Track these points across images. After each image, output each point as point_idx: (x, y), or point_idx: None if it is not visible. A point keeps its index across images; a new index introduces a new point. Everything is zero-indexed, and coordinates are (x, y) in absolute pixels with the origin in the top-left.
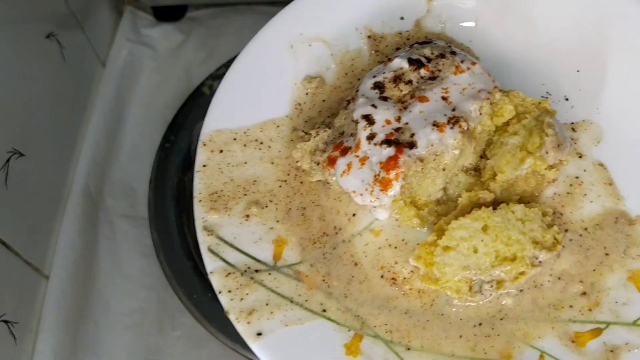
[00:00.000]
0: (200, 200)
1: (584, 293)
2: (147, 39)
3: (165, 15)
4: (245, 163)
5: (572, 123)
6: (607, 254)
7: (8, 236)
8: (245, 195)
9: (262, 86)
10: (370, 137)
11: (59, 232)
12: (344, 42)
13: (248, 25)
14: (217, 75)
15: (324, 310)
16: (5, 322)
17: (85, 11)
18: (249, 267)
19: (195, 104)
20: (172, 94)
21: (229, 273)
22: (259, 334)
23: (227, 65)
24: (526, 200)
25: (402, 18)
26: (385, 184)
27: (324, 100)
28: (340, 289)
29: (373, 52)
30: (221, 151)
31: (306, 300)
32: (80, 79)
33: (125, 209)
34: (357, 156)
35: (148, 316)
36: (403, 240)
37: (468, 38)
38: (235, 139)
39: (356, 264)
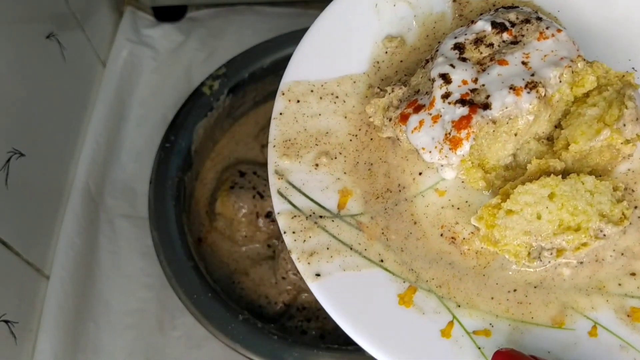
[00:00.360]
0: (274, 146)
1: None
2: (148, 39)
3: (166, 15)
4: (320, 115)
5: None
6: None
7: (8, 236)
8: (317, 145)
9: (343, 42)
10: (445, 95)
11: (59, 232)
12: (428, 4)
13: (248, 26)
14: (217, 76)
15: (382, 261)
16: (6, 322)
17: (85, 11)
18: (314, 213)
19: (195, 104)
20: (172, 94)
21: (295, 216)
22: (318, 275)
23: (227, 65)
24: (598, 173)
25: None
26: (455, 143)
27: (401, 61)
28: (397, 243)
29: (457, 16)
30: (298, 101)
31: (365, 249)
32: (80, 79)
33: (125, 209)
34: (430, 114)
35: (148, 316)
36: (467, 202)
37: (556, 8)
38: (312, 91)
39: (415, 222)
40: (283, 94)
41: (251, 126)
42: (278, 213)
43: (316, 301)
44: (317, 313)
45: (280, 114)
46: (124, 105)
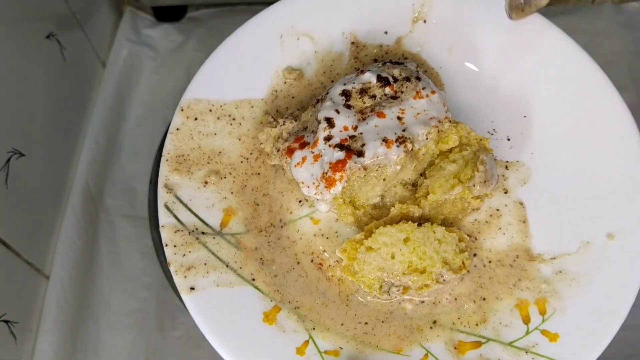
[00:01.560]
0: (167, 160)
1: (475, 312)
2: (148, 39)
3: (166, 15)
4: (215, 134)
5: (507, 161)
6: (500, 285)
7: (8, 236)
8: (209, 163)
9: (246, 66)
10: (327, 138)
11: (59, 232)
12: (329, 42)
13: None
14: None
15: (253, 279)
16: (6, 321)
17: (85, 11)
18: (196, 228)
19: None
20: (172, 94)
21: (178, 230)
22: (192, 288)
23: None
24: (450, 220)
25: (385, 32)
26: (330, 182)
27: (293, 97)
28: (271, 264)
29: (353, 58)
30: (196, 119)
31: (240, 267)
32: (80, 79)
33: (125, 209)
34: (312, 152)
35: (148, 316)
36: (336, 232)
37: (439, 64)
38: (210, 110)
39: (295, 254)
40: (182, 110)
41: None
42: (162, 226)
43: None
44: None
45: (177, 129)
46: (124, 105)
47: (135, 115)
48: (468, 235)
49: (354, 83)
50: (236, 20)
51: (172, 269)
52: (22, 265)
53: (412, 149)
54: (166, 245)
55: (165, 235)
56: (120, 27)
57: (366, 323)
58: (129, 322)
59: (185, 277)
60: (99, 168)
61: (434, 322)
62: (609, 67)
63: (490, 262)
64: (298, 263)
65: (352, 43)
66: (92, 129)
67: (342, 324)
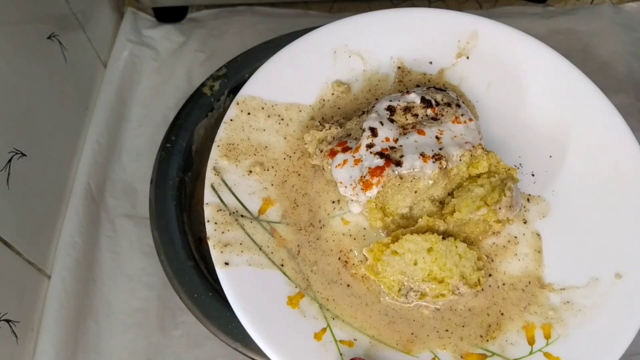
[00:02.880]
0: (218, 146)
1: (489, 326)
2: (148, 39)
3: (166, 16)
4: (264, 130)
5: (529, 195)
6: (512, 306)
7: (10, 236)
8: (255, 155)
9: (299, 74)
10: (370, 145)
11: (61, 232)
12: (377, 64)
13: (248, 26)
14: (218, 76)
15: (282, 265)
16: (7, 321)
17: (86, 12)
18: (237, 211)
19: (196, 105)
20: (173, 95)
21: (220, 209)
22: (226, 264)
23: (228, 66)
24: (470, 240)
25: (430, 62)
26: (367, 185)
27: (339, 108)
28: (302, 255)
29: (398, 81)
30: (248, 113)
31: (272, 253)
32: (81, 79)
33: (126, 209)
34: (354, 157)
35: (149, 315)
36: (363, 235)
37: (476, 98)
38: (262, 108)
39: (327, 245)
40: (237, 103)
41: None
42: (206, 204)
43: None
44: None
45: (231, 120)
46: (124, 106)
47: (136, 116)
48: (486, 255)
49: (399, 101)
50: (237, 21)
51: (210, 243)
52: (24, 264)
53: (445, 167)
54: (208, 221)
55: (208, 212)
56: (121, 27)
57: (381, 321)
58: (130, 322)
59: (221, 252)
60: (100, 168)
61: (446, 330)
62: (607, 67)
63: (504, 284)
64: (326, 254)
65: (399, 67)
66: (93, 129)
67: (358, 319)
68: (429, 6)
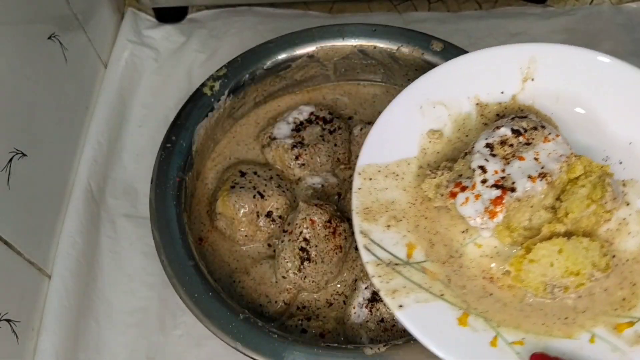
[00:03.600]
0: (357, 213)
1: (624, 299)
2: (149, 40)
3: (167, 16)
4: (386, 189)
5: (623, 180)
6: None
7: (10, 236)
8: (387, 211)
9: (398, 134)
10: (483, 181)
11: (61, 232)
12: (458, 106)
13: (248, 27)
14: (218, 76)
15: (442, 295)
16: (8, 320)
17: (86, 12)
18: (391, 261)
19: (196, 105)
20: (173, 95)
21: (378, 264)
22: (400, 306)
23: (228, 66)
24: (588, 233)
25: (502, 92)
26: (493, 215)
27: (438, 152)
28: (452, 282)
29: (479, 115)
30: (370, 179)
31: (430, 287)
32: (82, 79)
33: (126, 209)
34: (473, 193)
35: (149, 315)
36: (497, 252)
37: (550, 111)
38: (379, 171)
39: (470, 270)
40: (359, 174)
41: (252, 127)
42: (366, 262)
43: (316, 300)
44: (317, 312)
45: (359, 189)
46: (125, 106)
47: (136, 116)
48: (605, 241)
49: (493, 137)
50: (237, 22)
51: (381, 293)
52: (24, 264)
53: (551, 181)
54: (372, 276)
55: (370, 269)
56: (121, 28)
57: (536, 319)
58: (130, 321)
59: (393, 298)
60: (100, 168)
61: (591, 312)
62: None
63: (627, 260)
64: (472, 277)
65: (477, 104)
66: (93, 130)
67: (517, 320)
68: (429, 7)
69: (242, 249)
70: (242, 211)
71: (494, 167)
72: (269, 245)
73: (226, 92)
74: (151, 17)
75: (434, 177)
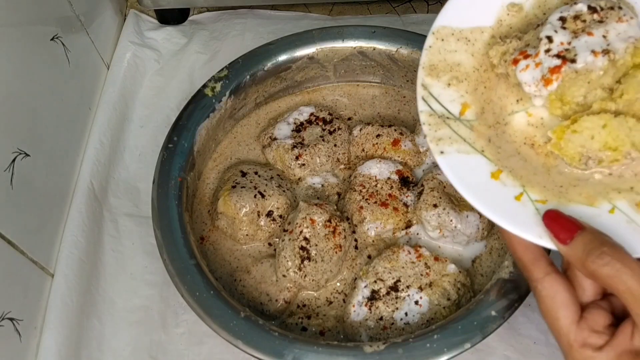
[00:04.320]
0: (423, 67)
1: None
2: (151, 41)
3: (168, 18)
4: (455, 51)
5: None
6: None
7: (14, 235)
8: (451, 71)
9: (479, 2)
10: (547, 50)
11: (64, 231)
12: None
13: (249, 29)
14: (219, 77)
15: (483, 150)
16: (11, 319)
17: (89, 14)
18: (443, 114)
19: (197, 106)
20: (175, 96)
21: (431, 114)
22: (442, 152)
23: (229, 67)
24: (637, 117)
25: None
26: (547, 82)
27: (515, 24)
28: (493, 143)
29: None
30: (442, 40)
31: (473, 142)
32: (84, 80)
33: (129, 208)
34: (534, 61)
35: (151, 313)
36: (542, 123)
37: (635, 0)
38: (452, 34)
39: (511, 136)
40: (433, 33)
41: (252, 127)
42: (421, 111)
43: (316, 298)
44: (317, 310)
45: (430, 46)
46: (127, 107)
47: (138, 116)
48: None
49: (568, 11)
50: (238, 23)
51: (427, 139)
52: (27, 263)
53: (613, 59)
54: (423, 124)
55: (423, 117)
56: (123, 29)
57: (561, 186)
58: (132, 319)
59: (437, 145)
60: (102, 168)
61: (620, 187)
62: None
63: None
64: (513, 140)
65: None
66: (96, 130)
67: (544, 184)
68: (428, 9)
69: (243, 248)
70: (243, 211)
71: (561, 38)
72: (270, 244)
73: (227, 93)
74: (153, 19)
75: (502, 45)
